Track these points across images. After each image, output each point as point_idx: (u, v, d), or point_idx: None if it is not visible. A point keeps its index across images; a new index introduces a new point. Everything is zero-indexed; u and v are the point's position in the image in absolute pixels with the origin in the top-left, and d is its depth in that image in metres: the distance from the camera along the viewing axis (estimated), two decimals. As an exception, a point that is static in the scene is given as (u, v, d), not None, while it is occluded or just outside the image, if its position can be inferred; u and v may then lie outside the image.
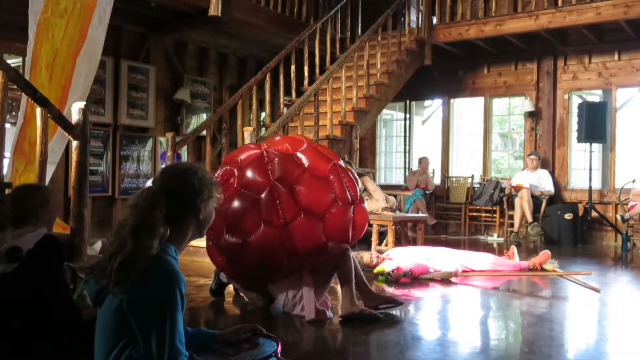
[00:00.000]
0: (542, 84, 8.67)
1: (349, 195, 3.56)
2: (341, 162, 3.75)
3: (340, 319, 3.51)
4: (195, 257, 5.40)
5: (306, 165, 3.55)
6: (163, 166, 6.62)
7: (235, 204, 3.45)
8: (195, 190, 1.75)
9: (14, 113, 6.96)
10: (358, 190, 3.69)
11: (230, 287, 4.14)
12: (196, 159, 8.31)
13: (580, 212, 7.86)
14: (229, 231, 3.46)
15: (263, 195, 3.41)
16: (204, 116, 8.59)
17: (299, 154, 3.60)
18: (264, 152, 3.61)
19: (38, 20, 4.93)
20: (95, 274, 1.64)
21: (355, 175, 3.81)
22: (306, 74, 7.74)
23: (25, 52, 5.06)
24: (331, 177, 3.55)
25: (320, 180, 3.53)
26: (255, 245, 3.39)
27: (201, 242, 5.18)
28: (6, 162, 4.71)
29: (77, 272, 3.53)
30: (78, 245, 3.82)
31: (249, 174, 3.50)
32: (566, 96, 8.57)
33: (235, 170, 3.56)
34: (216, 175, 3.68)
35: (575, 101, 8.57)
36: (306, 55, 7.66)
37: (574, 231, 7.71)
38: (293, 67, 7.57)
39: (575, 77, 8.49)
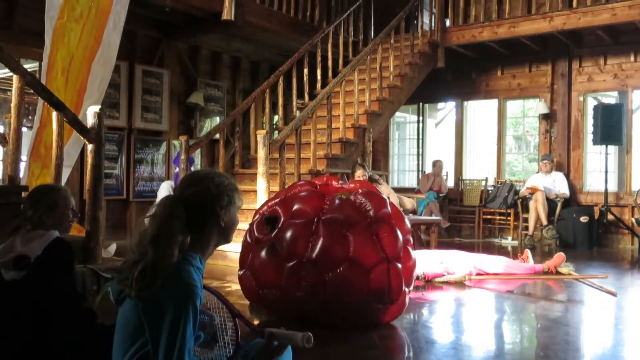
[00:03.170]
0: (556, 86, 8.60)
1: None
2: (409, 237, 3.76)
3: None
4: (219, 260, 5.39)
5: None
6: (176, 170, 6.65)
7: (319, 233, 3.40)
8: (213, 197, 1.73)
9: (30, 117, 7.03)
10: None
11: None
12: (209, 163, 8.35)
13: (596, 215, 7.78)
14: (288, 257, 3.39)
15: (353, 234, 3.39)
16: (217, 119, 8.63)
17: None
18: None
19: (54, 25, 4.99)
20: (119, 280, 1.66)
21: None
22: (319, 77, 7.76)
23: (42, 57, 5.11)
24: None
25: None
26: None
27: (223, 246, 5.17)
28: (23, 166, 4.76)
29: (100, 274, 3.55)
30: (93, 248, 3.85)
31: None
32: (581, 98, 8.49)
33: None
34: (300, 186, 3.82)
35: (591, 103, 8.49)
36: (319, 58, 7.67)
37: (589, 234, 7.63)
38: (306, 71, 7.59)
39: (591, 79, 8.41)
